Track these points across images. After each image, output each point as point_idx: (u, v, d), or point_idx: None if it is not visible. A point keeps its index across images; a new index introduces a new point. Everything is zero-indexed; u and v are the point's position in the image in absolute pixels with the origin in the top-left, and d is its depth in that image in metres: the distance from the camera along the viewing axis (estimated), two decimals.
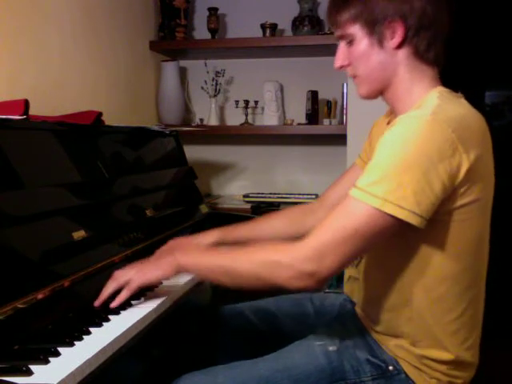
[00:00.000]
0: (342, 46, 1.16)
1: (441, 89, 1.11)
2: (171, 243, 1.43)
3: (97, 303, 1.15)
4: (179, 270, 1.17)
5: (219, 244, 1.45)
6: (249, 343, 1.40)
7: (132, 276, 1.17)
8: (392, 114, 1.24)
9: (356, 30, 1.11)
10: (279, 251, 1.06)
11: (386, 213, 0.97)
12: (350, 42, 1.13)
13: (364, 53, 1.12)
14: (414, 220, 0.98)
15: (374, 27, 1.09)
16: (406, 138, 0.99)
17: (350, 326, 1.27)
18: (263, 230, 1.47)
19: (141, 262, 1.24)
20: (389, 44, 1.10)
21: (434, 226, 1.03)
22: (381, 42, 1.10)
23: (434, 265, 1.08)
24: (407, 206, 0.97)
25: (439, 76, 1.15)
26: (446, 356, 1.11)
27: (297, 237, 1.45)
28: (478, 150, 1.03)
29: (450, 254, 1.07)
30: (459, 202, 1.04)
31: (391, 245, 1.09)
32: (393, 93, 1.15)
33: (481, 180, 1.05)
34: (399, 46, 1.10)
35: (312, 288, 1.04)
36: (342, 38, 1.15)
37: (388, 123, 1.24)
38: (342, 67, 1.18)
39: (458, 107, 1.07)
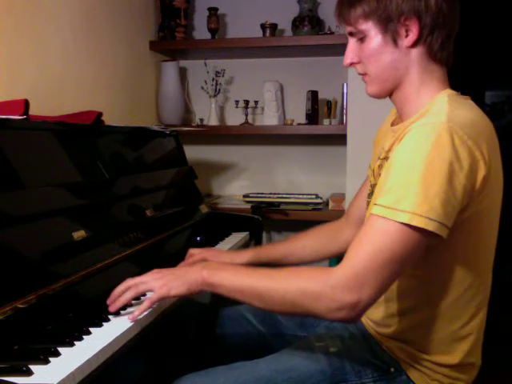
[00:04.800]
0: (352, 43, 1.12)
1: (449, 92, 1.09)
2: (205, 252, 1.42)
3: (112, 309, 1.09)
4: (205, 289, 1.09)
5: (253, 263, 1.42)
6: (249, 345, 1.40)
7: (154, 288, 1.09)
8: (397, 114, 1.21)
9: (369, 27, 1.08)
10: (317, 279, 0.98)
11: (415, 227, 0.93)
12: (362, 38, 1.10)
13: (376, 51, 1.09)
14: (442, 231, 0.95)
15: (388, 24, 1.06)
16: (424, 149, 0.95)
17: (351, 326, 1.26)
18: (296, 250, 1.45)
19: (164, 270, 1.14)
20: (403, 42, 1.07)
21: (448, 234, 0.99)
22: (394, 40, 1.07)
23: (444, 272, 1.07)
24: (436, 217, 0.93)
25: (450, 76, 1.13)
26: (449, 360, 1.11)
27: (328, 256, 1.45)
28: (490, 154, 1.01)
29: (460, 262, 1.06)
30: (473, 209, 1.01)
31: None
32: (402, 93, 1.12)
33: (493, 186, 1.04)
34: (413, 45, 1.07)
35: (353, 319, 0.97)
36: (352, 34, 1.12)
37: (392, 124, 1.22)
38: (351, 64, 1.14)
39: (469, 112, 1.05)
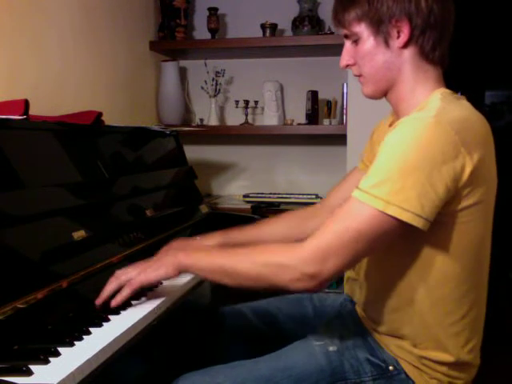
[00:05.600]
0: (348, 46, 1.16)
1: (443, 90, 1.11)
2: (173, 244, 1.43)
3: (98, 301, 1.14)
4: (181, 270, 1.16)
5: (221, 246, 1.45)
6: (249, 344, 1.40)
7: (134, 276, 1.15)
8: (394, 115, 1.23)
9: (362, 29, 1.11)
10: (281, 252, 1.05)
11: (389, 215, 0.97)
12: (356, 41, 1.13)
13: (369, 52, 1.11)
14: (417, 222, 0.97)
15: (380, 26, 1.09)
16: (409, 141, 0.98)
17: (351, 325, 1.27)
18: (265, 234, 1.46)
19: (142, 261, 1.22)
20: (394, 43, 1.09)
21: (437, 227, 1.02)
22: (386, 42, 1.10)
23: (435, 267, 1.08)
24: (411, 208, 0.96)
25: (443, 76, 1.15)
26: (447, 358, 1.11)
27: (298, 240, 1.46)
28: (480, 152, 1.02)
29: (452, 255, 1.07)
30: (462, 204, 1.03)
31: (393, 246, 1.08)
32: (397, 93, 1.14)
33: (484, 182, 1.05)
34: (405, 46, 1.09)
35: (314, 290, 1.04)
36: (347, 37, 1.15)
37: (390, 125, 1.24)
38: (347, 66, 1.17)
39: (461, 109, 1.06)
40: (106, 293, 1.15)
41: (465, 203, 1.03)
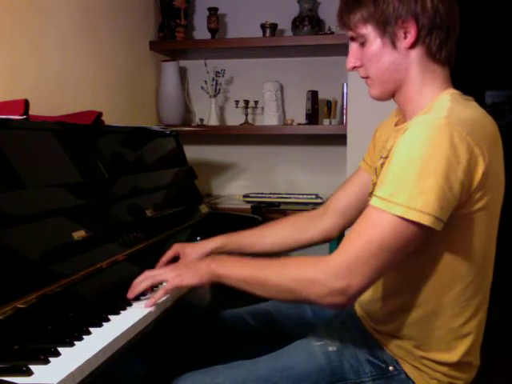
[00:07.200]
0: (354, 47, 1.15)
1: (452, 91, 1.10)
2: (176, 246, 1.43)
3: (130, 295, 1.19)
4: (214, 280, 1.16)
5: (222, 250, 1.45)
6: (248, 347, 1.40)
7: (169, 278, 1.18)
8: (400, 114, 1.23)
9: (368, 31, 1.10)
10: (311, 267, 1.03)
11: (410, 220, 0.95)
12: (362, 43, 1.12)
13: (376, 53, 1.11)
14: (437, 225, 0.97)
15: (387, 28, 1.08)
16: (422, 143, 0.97)
17: (350, 325, 1.27)
18: (267, 237, 1.46)
19: (177, 264, 1.26)
20: (401, 44, 1.09)
21: (448, 230, 1.01)
22: (393, 43, 1.09)
23: (444, 269, 1.07)
24: (431, 211, 0.95)
25: (450, 76, 1.14)
26: (448, 359, 1.11)
27: (301, 244, 1.45)
28: (491, 152, 1.02)
29: (461, 258, 1.07)
30: (474, 207, 1.03)
31: None
32: (404, 94, 1.13)
33: (493, 184, 1.05)
34: (412, 46, 1.09)
35: (344, 305, 1.01)
36: (353, 39, 1.14)
37: (396, 124, 1.23)
38: (354, 68, 1.16)
39: (471, 110, 1.06)
40: (139, 289, 1.19)
41: (476, 206, 1.03)
